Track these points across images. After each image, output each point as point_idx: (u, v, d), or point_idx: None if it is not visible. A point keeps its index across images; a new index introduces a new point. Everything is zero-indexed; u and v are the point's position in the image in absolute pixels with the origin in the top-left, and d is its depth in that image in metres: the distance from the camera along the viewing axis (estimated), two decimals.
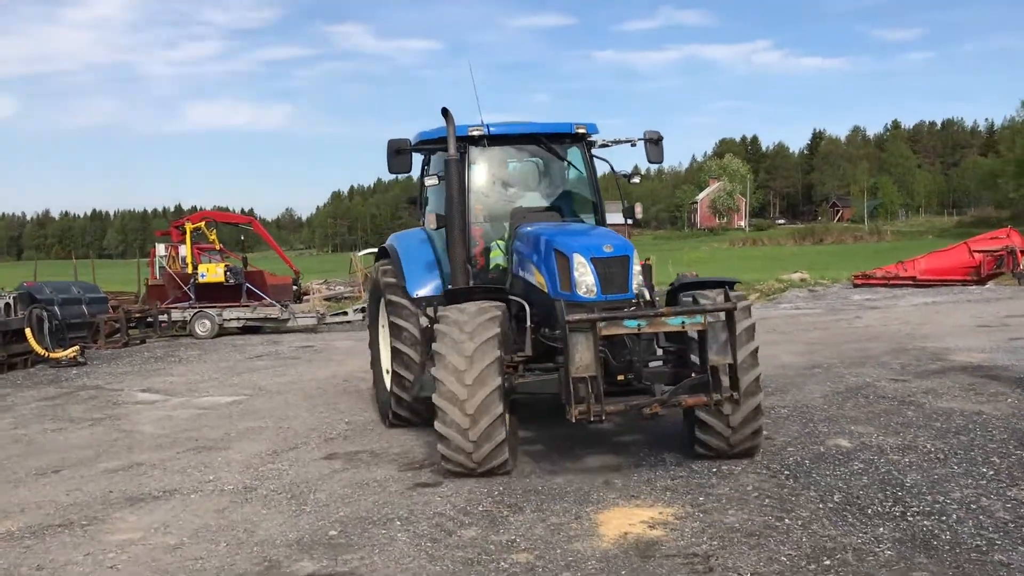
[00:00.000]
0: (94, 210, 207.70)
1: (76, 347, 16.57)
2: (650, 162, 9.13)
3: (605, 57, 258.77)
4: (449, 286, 8.34)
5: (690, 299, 7.23)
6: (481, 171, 8.96)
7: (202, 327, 20.97)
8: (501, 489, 6.86)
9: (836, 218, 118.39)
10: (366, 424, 9.85)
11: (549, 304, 7.24)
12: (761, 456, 7.45)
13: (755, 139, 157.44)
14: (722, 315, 6.57)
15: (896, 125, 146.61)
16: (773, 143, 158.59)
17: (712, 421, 7.04)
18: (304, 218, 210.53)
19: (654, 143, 8.96)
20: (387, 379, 9.36)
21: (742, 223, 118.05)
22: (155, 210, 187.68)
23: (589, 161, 9.18)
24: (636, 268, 7.49)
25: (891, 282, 24.67)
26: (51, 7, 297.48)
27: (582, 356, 6.42)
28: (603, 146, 9.21)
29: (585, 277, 7.27)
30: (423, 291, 8.79)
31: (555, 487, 6.87)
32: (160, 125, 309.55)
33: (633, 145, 9.11)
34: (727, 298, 6.67)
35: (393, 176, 9.26)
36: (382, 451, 8.47)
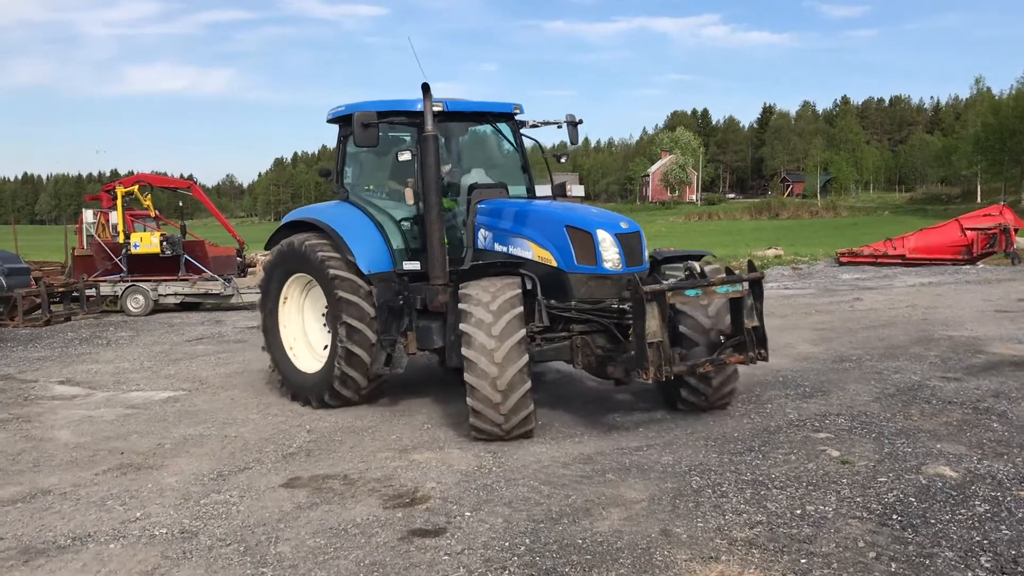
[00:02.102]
0: (25, 173, 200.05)
1: None
2: (571, 143, 9.87)
3: (555, 28, 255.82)
4: (409, 262, 8.70)
5: (684, 270, 7.90)
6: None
7: (135, 303, 18.82)
8: (529, 542, 5.17)
9: (786, 192, 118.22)
10: (332, 433, 8.08)
11: (555, 277, 7.83)
12: (848, 486, 5.89)
13: (705, 112, 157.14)
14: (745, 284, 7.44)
15: (846, 101, 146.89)
16: (724, 117, 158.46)
17: (697, 384, 7.96)
18: (246, 185, 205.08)
19: (573, 126, 9.57)
20: (294, 357, 9.45)
21: (693, 197, 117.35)
22: (90, 175, 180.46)
23: (519, 140, 9.64)
24: (645, 242, 8.17)
25: (879, 260, 23.44)
26: None
27: (652, 323, 6.92)
28: (533, 127, 9.70)
29: (611, 252, 7.77)
30: (375, 267, 8.71)
31: (600, 539, 5.19)
32: (97, 87, 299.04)
33: (559, 127, 9.69)
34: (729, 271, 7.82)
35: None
36: (357, 475, 6.71)
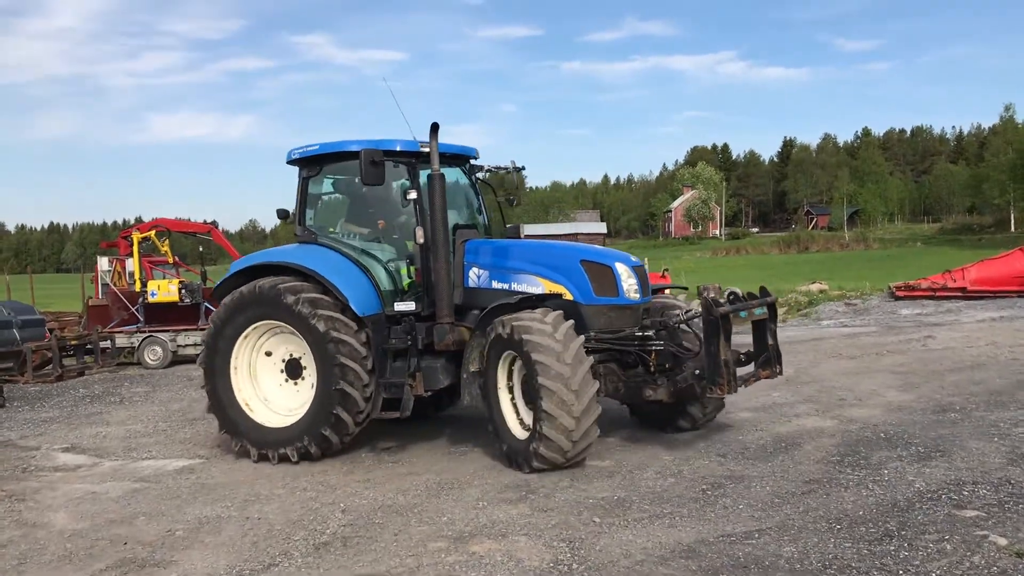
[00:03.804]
0: (51, 223, 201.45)
1: None
2: (515, 187, 10.30)
3: (572, 68, 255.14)
4: (402, 303, 8.59)
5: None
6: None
7: (152, 355, 17.73)
8: None
9: (811, 225, 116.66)
10: (371, 513, 6.86)
11: (570, 310, 8.02)
12: None
13: (726, 147, 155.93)
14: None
15: (867, 132, 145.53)
16: (744, 151, 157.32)
17: (693, 410, 8.69)
18: (268, 230, 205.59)
19: (517, 171, 10.04)
20: (251, 412, 8.95)
21: (717, 231, 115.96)
22: (115, 222, 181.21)
23: (475, 183, 9.83)
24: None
25: (938, 294, 22.01)
26: (8, 18, 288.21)
27: (725, 343, 7.51)
28: (488, 171, 9.94)
29: (631, 283, 8.24)
30: (366, 309, 8.58)
31: None
32: (121, 137, 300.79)
33: (508, 172, 10.04)
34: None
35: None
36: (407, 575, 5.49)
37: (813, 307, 22.45)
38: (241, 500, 7.49)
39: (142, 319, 18.23)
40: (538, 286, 8.29)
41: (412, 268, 8.88)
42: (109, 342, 17.74)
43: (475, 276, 8.74)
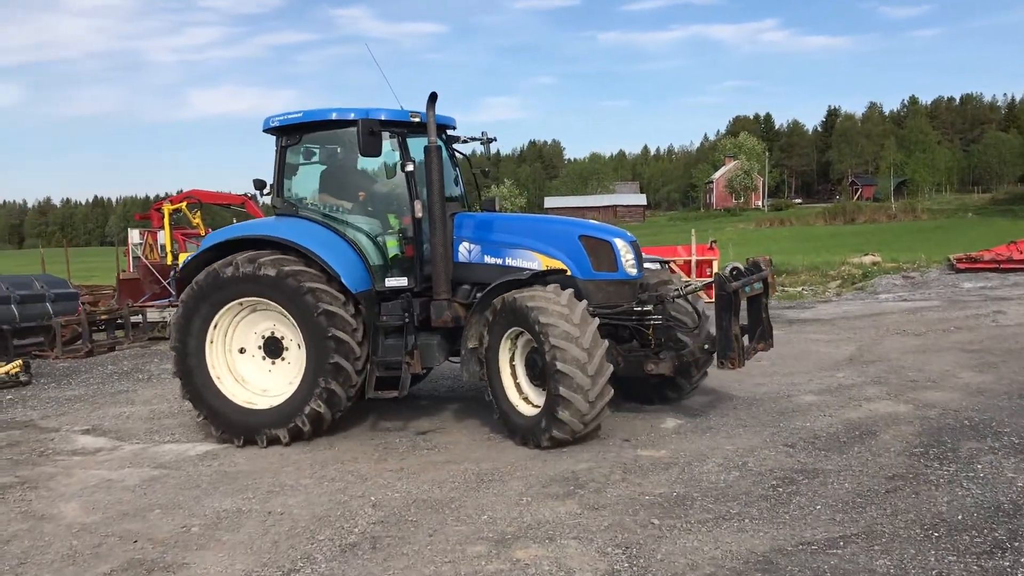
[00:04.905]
0: (95, 197, 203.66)
1: (18, 361, 12.94)
2: (486, 157, 9.90)
3: (610, 38, 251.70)
4: (393, 279, 8.34)
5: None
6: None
7: None
8: None
9: (856, 196, 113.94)
10: (404, 508, 6.24)
11: (568, 285, 7.81)
12: None
13: (768, 117, 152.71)
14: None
15: (914, 101, 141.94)
16: (787, 121, 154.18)
17: (681, 381, 8.64)
18: None
19: (487, 142, 9.50)
20: (225, 388, 8.49)
21: (759, 203, 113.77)
22: (157, 196, 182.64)
23: (453, 153, 9.38)
24: None
25: (1003, 266, 20.87)
26: None
27: (735, 318, 7.65)
28: (464, 142, 9.48)
29: (630, 258, 8.09)
30: (358, 285, 8.21)
31: None
32: (164, 112, 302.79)
33: (482, 144, 9.53)
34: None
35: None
36: None
37: (868, 280, 21.40)
38: (264, 491, 6.90)
39: (174, 293, 17.76)
40: (535, 261, 8.11)
41: (400, 242, 8.50)
42: (140, 316, 17.32)
43: (465, 251, 8.48)
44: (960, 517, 5.38)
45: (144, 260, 18.62)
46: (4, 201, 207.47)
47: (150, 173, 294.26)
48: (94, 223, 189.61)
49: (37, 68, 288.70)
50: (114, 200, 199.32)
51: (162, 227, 18.90)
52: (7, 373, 12.59)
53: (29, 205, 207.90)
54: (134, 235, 19.88)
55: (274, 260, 8.17)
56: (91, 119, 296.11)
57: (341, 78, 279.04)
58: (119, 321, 16.96)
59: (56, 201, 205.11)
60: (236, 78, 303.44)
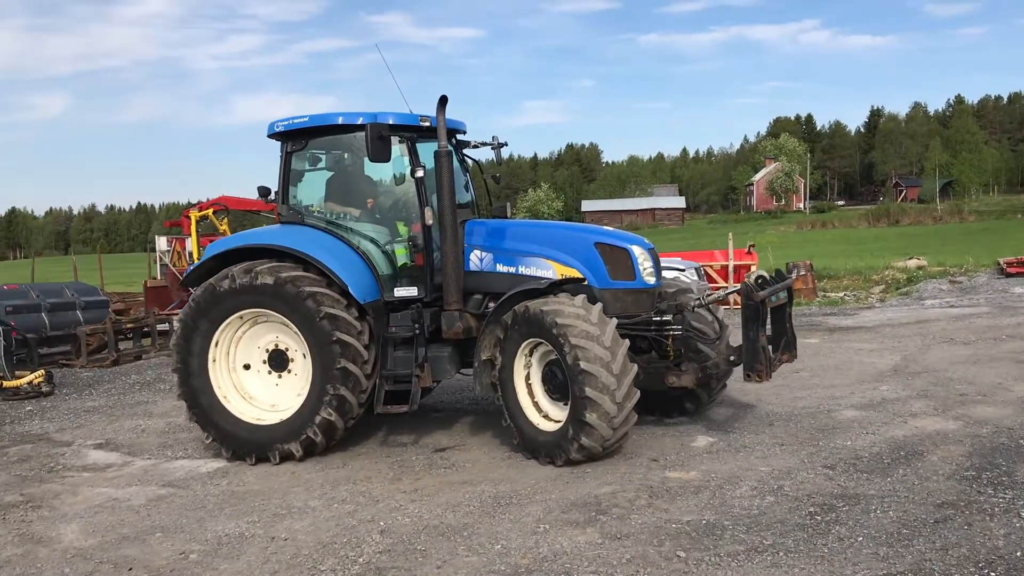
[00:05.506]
0: (139, 203, 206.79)
1: (41, 371, 12.78)
2: (497, 163, 9.59)
3: (649, 40, 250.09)
4: (402, 288, 8.12)
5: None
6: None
7: None
8: None
9: (900, 198, 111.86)
10: (413, 535, 5.86)
11: (586, 294, 7.48)
12: None
13: (810, 118, 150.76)
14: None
15: (960, 100, 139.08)
16: (829, 122, 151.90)
17: (701, 393, 8.35)
18: None
19: (498, 147, 9.23)
20: (232, 407, 8.19)
21: (801, 205, 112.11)
22: (199, 201, 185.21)
23: (463, 159, 9.12)
24: None
25: None
26: (102, 6, 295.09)
27: (762, 329, 7.44)
28: (474, 147, 9.23)
29: (648, 266, 7.83)
30: (366, 295, 7.95)
31: None
32: (207, 119, 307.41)
33: (493, 148, 9.23)
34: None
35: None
36: None
37: (913, 285, 20.68)
38: (271, 513, 6.57)
39: None
40: (549, 270, 7.84)
41: (410, 250, 8.24)
42: (167, 324, 17.16)
43: (477, 259, 8.22)
44: (1019, 554, 4.87)
45: (171, 267, 18.50)
46: (51, 208, 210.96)
47: (192, 179, 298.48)
48: (137, 229, 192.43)
49: (85, 77, 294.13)
50: (157, 207, 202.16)
51: (191, 234, 18.77)
52: (29, 384, 12.44)
53: (75, 212, 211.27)
54: (161, 242, 19.81)
55: (271, 268, 7.93)
56: (136, 126, 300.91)
57: (379, 84, 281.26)
58: (145, 329, 16.82)
59: (100, 208, 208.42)
60: (276, 85, 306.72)
